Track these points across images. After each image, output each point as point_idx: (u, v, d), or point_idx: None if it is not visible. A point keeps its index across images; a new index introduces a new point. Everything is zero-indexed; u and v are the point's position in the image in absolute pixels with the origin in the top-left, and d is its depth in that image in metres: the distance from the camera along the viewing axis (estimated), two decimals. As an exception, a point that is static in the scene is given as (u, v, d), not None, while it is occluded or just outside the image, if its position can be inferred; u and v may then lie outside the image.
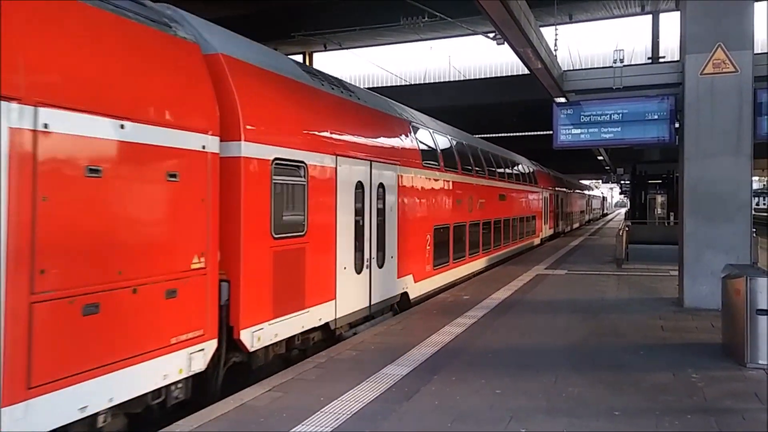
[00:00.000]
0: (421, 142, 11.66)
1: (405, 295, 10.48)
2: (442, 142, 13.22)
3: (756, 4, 10.08)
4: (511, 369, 6.56)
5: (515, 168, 21.03)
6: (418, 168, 11.15)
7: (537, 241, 24.75)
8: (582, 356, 7.14)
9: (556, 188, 30.40)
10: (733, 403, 5.46)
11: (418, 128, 11.86)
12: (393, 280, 9.98)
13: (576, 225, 41.67)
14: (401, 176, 10.25)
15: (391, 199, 9.81)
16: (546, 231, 26.91)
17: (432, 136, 12.64)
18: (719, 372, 6.42)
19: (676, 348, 7.52)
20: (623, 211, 73.55)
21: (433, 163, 12.01)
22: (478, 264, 15.62)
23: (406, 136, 11.02)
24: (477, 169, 15.32)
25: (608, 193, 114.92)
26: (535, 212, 24.24)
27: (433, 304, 10.69)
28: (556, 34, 12.92)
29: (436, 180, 12.09)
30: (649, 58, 25.11)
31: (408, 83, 27.79)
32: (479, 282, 13.55)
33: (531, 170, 24.23)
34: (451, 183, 13.00)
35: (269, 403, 5.46)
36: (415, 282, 10.95)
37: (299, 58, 28.03)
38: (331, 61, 29.73)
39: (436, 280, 12.18)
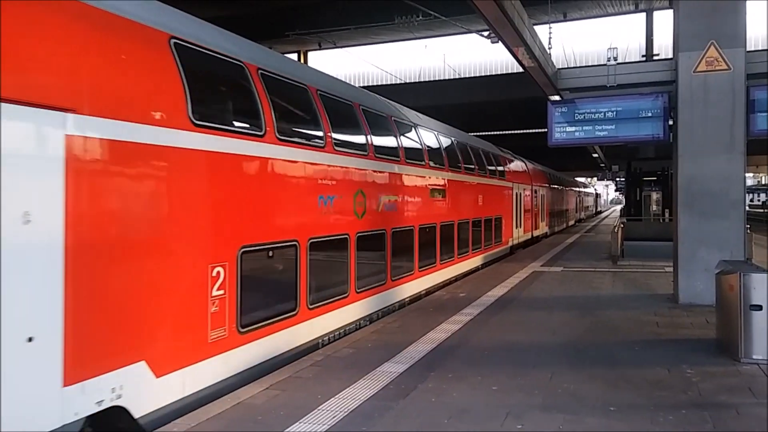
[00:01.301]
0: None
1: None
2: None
3: (749, 2, 10.12)
4: (508, 366, 6.60)
5: (464, 155, 15.14)
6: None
7: (504, 250, 19.38)
8: (578, 352, 7.18)
9: (535, 183, 25.62)
10: (728, 398, 5.50)
11: None
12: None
13: (563, 226, 36.87)
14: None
15: None
16: (519, 235, 21.60)
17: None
18: (714, 367, 6.47)
19: (670, 344, 7.57)
20: (618, 208, 73.68)
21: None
22: (360, 310, 9.03)
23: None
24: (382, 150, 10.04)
25: (603, 190, 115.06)
26: (501, 212, 18.79)
27: (430, 302, 10.72)
28: (550, 33, 12.97)
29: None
30: (643, 56, 25.23)
31: (403, 81, 27.80)
32: (476, 279, 13.59)
33: (494, 159, 18.64)
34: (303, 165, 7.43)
35: (266, 401, 5.47)
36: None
37: (294, 56, 28.03)
38: (325, 60, 29.77)
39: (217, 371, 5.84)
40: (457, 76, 27.58)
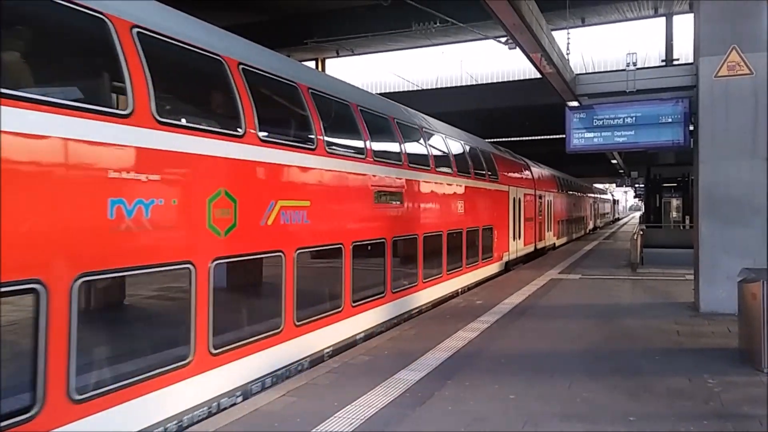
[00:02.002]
0: None
1: None
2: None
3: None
4: (525, 374, 6.54)
5: (437, 149, 12.15)
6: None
7: (494, 268, 15.94)
8: (597, 361, 7.09)
9: (541, 188, 22.70)
10: (751, 409, 5.39)
11: None
12: None
13: (575, 236, 33.14)
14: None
15: None
16: (517, 248, 18.49)
17: None
18: (736, 377, 6.35)
19: (691, 353, 7.45)
20: (638, 214, 72.75)
21: None
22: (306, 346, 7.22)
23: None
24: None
25: (622, 197, 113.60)
26: (492, 222, 15.60)
27: (447, 309, 10.67)
28: (569, 38, 12.89)
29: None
30: (662, 61, 24.96)
31: (420, 88, 27.84)
32: (492, 287, 13.51)
33: (483, 158, 15.44)
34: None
35: (283, 408, 5.48)
36: None
37: (312, 64, 28.21)
38: (343, 68, 29.92)
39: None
40: (474, 83, 27.53)
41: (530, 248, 20.64)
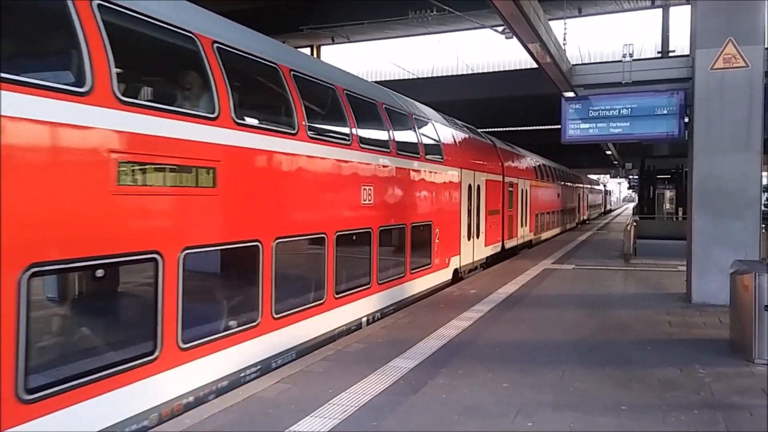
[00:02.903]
0: None
1: None
2: None
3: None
4: (518, 363, 6.58)
5: (331, 110, 8.47)
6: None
7: (430, 281, 11.69)
8: (589, 351, 7.14)
9: (512, 174, 18.79)
10: (741, 399, 5.45)
11: None
12: None
13: (559, 230, 29.63)
14: None
15: None
16: (473, 251, 14.56)
17: None
18: (726, 368, 6.41)
19: (683, 343, 7.51)
20: (631, 206, 72.91)
21: None
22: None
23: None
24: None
25: (615, 188, 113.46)
26: (434, 217, 11.76)
27: (441, 298, 10.71)
28: (565, 28, 12.87)
29: None
30: (659, 53, 24.95)
31: (416, 77, 27.73)
32: (486, 276, 13.56)
33: (421, 128, 11.60)
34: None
35: (277, 394, 5.50)
36: None
37: (307, 51, 28.04)
38: (338, 55, 29.79)
39: None
40: (469, 72, 27.45)
41: (494, 248, 16.80)
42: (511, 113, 30.33)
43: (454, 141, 13.73)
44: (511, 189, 18.57)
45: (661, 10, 25.26)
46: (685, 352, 7.08)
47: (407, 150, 10.60)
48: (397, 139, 10.10)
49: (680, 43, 24.56)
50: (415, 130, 11.22)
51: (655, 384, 5.88)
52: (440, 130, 12.83)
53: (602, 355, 6.99)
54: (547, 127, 32.13)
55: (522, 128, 34.61)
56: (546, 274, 13.81)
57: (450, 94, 25.61)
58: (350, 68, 11.67)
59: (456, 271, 13.25)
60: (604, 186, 78.34)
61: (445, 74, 28.14)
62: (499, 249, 17.27)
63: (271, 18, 22.46)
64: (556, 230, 29.00)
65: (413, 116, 11.38)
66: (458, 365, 6.48)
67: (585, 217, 44.56)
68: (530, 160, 23.42)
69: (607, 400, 5.40)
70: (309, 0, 22.86)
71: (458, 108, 22.81)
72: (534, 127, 34.24)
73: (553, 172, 29.29)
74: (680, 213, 27.07)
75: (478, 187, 14.93)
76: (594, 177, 66.66)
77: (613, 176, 56.33)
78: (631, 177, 49.00)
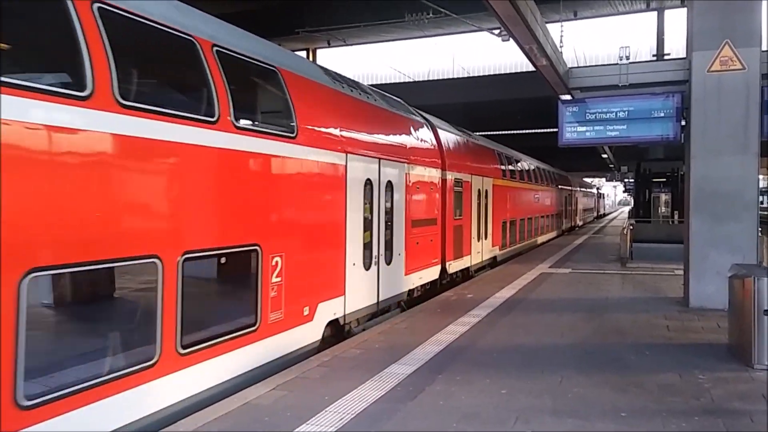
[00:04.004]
0: None
1: None
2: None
3: (765, 0, 9.99)
4: (516, 368, 6.52)
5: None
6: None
7: (254, 355, 6.31)
8: (587, 356, 7.09)
9: (456, 169, 13.49)
10: (741, 405, 5.40)
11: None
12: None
13: (539, 240, 24.86)
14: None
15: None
16: (375, 288, 9.41)
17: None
18: (726, 373, 6.37)
19: (681, 348, 7.46)
20: (626, 209, 72.87)
21: None
22: None
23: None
24: None
25: (611, 191, 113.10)
26: (264, 237, 6.52)
27: (437, 303, 10.65)
28: (562, 31, 12.84)
29: None
30: (654, 56, 25.01)
31: (412, 80, 27.72)
32: (482, 281, 13.50)
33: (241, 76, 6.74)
34: None
35: (273, 402, 5.42)
36: None
37: (303, 54, 28.01)
38: (334, 58, 29.73)
39: None
40: (465, 75, 27.47)
41: (428, 275, 11.81)
42: (507, 116, 30.34)
43: (331, 107, 8.32)
44: (458, 189, 13.49)
45: (656, 13, 25.34)
46: (683, 356, 7.03)
47: (253, 125, 6.72)
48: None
49: (675, 46, 24.69)
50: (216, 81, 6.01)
51: (654, 389, 5.82)
52: (292, 89, 7.26)
53: (600, 359, 6.94)
54: (543, 130, 32.18)
55: (519, 132, 34.66)
56: (543, 278, 13.76)
57: (446, 98, 25.62)
58: (346, 71, 11.08)
59: (338, 322, 8.27)
60: (597, 189, 70.91)
61: (441, 77, 28.15)
62: (437, 274, 12.33)
63: (267, 20, 22.43)
64: (538, 239, 24.35)
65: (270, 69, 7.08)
66: (456, 371, 6.41)
67: (575, 224, 39.60)
68: (493, 151, 18.11)
69: (606, 406, 5.34)
70: (305, 3, 22.84)
71: (454, 111, 22.82)
72: (530, 131, 34.29)
73: (531, 170, 24.01)
74: (676, 216, 27.14)
75: (391, 185, 9.90)
76: (588, 180, 65.99)
77: (609, 179, 56.36)
78: (626, 180, 49.06)
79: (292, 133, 7.11)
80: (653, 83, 11.11)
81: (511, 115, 29.96)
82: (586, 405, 5.39)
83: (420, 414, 5.15)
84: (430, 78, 28.20)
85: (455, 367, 6.58)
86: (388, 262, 9.90)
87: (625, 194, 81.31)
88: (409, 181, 10.81)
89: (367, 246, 9.07)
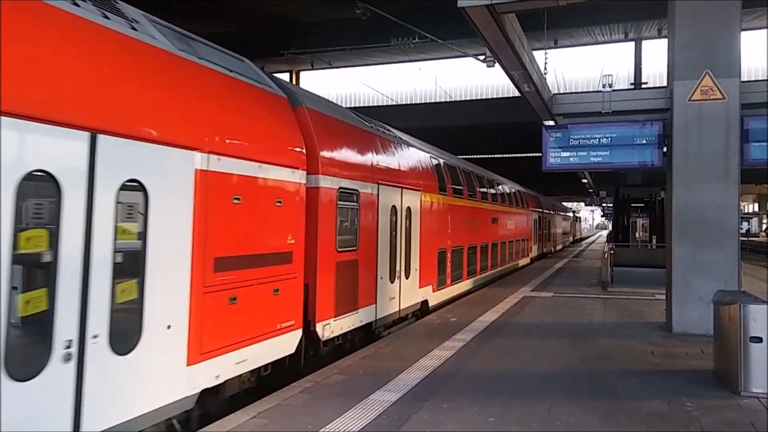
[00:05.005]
0: None
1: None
2: None
3: (744, 33, 10.22)
4: (504, 395, 6.40)
5: None
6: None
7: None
8: (574, 383, 7.00)
9: (339, 174, 8.44)
10: (730, 434, 5.36)
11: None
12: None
13: (496, 271, 19.91)
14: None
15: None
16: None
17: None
18: (714, 401, 6.32)
19: (667, 375, 7.42)
20: (604, 233, 73.71)
21: None
22: None
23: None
24: None
25: (589, 215, 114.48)
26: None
27: (421, 326, 10.52)
28: (546, 59, 13.02)
29: None
30: (631, 84, 25.55)
31: (396, 103, 27.88)
32: (465, 304, 13.41)
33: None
34: None
35: (254, 430, 5.23)
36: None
37: (286, 76, 28.04)
38: (317, 80, 29.79)
39: None
40: (449, 99, 27.71)
41: (277, 348, 6.86)
42: (488, 140, 30.63)
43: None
44: (352, 205, 8.93)
45: (633, 43, 25.93)
46: (670, 383, 6.98)
47: None
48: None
49: (652, 74, 25.28)
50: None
51: (643, 417, 5.75)
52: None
53: (588, 386, 6.86)
54: (526, 154, 32.49)
55: (500, 156, 34.98)
56: (525, 302, 13.72)
57: (428, 121, 25.83)
58: (328, 93, 11.19)
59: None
60: (574, 213, 65.42)
61: (424, 101, 28.37)
62: (294, 345, 7.21)
63: (252, 42, 22.44)
64: (489, 273, 18.96)
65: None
66: (442, 398, 6.28)
67: (549, 250, 35.36)
68: (429, 160, 13.13)
69: (596, 436, 5.25)
70: (291, 25, 22.91)
71: (437, 134, 22.93)
72: (512, 155, 34.61)
73: (490, 186, 19.52)
74: (654, 241, 27.46)
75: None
76: (567, 204, 66.12)
77: (587, 204, 57.06)
78: (605, 204, 49.74)
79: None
80: (636, 111, 11.27)
81: (492, 139, 30.25)
82: (576, 434, 5.29)
83: (407, 444, 5.00)
84: (413, 102, 28.40)
85: (442, 393, 6.44)
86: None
87: (603, 218, 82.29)
88: (247, 195, 6.16)
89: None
